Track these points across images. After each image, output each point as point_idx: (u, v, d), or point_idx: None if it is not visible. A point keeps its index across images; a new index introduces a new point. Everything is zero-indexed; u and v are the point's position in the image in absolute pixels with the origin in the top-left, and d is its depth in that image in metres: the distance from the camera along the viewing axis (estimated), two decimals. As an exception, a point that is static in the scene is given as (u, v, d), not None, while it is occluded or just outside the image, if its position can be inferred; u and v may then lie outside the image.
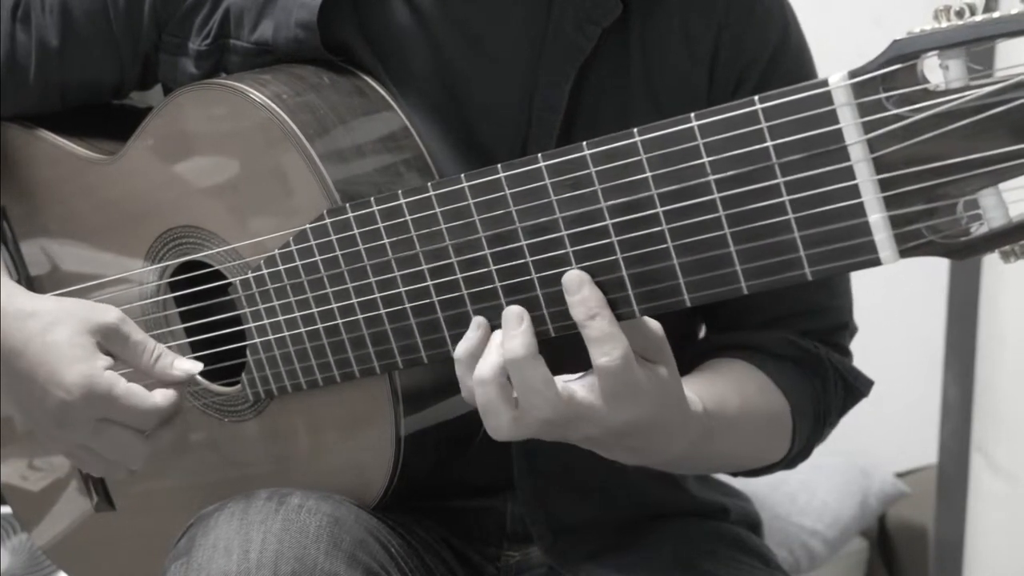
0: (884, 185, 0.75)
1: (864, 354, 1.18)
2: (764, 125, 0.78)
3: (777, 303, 1.08)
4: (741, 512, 1.22)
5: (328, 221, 0.95)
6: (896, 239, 0.75)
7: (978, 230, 0.74)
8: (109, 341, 1.03)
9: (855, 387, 1.14)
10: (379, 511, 1.02)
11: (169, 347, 1.10)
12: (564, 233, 0.86)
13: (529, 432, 0.88)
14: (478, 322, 0.90)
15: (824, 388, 1.11)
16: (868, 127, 0.74)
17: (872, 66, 0.74)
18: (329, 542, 0.93)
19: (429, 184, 0.90)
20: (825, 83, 0.75)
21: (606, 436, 0.89)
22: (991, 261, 1.64)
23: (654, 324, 0.88)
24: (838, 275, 1.03)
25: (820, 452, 1.15)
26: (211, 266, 1.06)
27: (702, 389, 0.97)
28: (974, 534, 1.77)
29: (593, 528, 1.13)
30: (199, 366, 1.05)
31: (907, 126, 0.73)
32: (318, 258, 0.96)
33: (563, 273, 0.86)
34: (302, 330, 0.99)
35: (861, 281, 1.07)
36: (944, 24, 0.72)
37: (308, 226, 0.96)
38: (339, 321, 0.97)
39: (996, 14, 0.71)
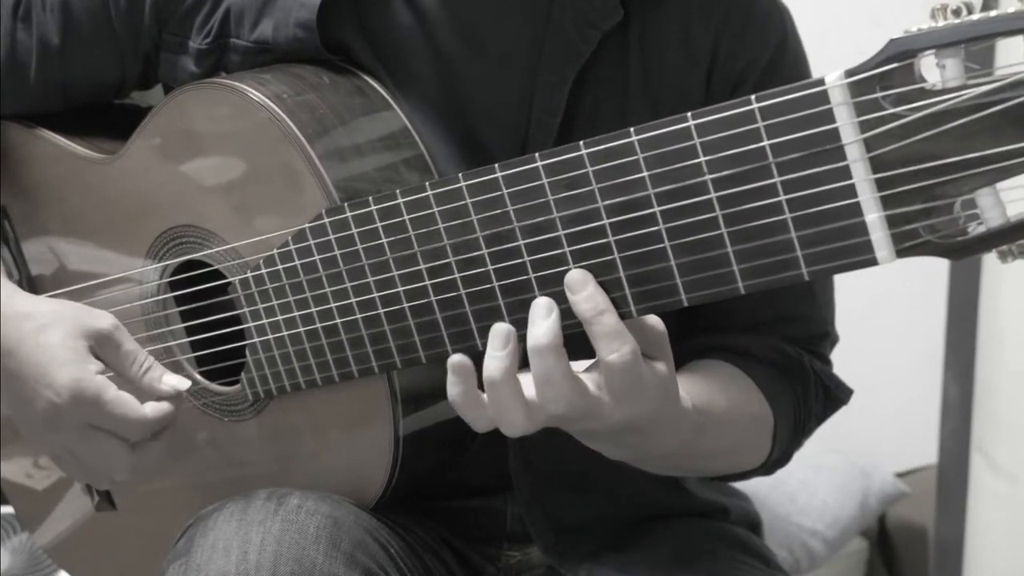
0: (881, 184, 0.75)
1: (864, 354, 1.18)
2: (760, 124, 0.77)
3: (761, 308, 1.09)
4: (741, 512, 1.22)
5: (327, 221, 0.95)
6: (893, 239, 0.75)
7: (975, 230, 0.74)
8: (101, 347, 1.03)
9: (835, 395, 1.14)
10: (379, 511, 1.02)
11: (169, 346, 1.10)
12: (561, 233, 0.85)
13: (540, 426, 0.87)
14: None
15: (805, 395, 1.11)
16: (864, 126, 0.74)
17: (869, 65, 0.74)
18: (328, 543, 0.93)
19: (427, 184, 0.90)
20: (821, 82, 0.75)
21: (606, 431, 0.89)
22: (991, 260, 1.64)
23: (656, 321, 0.88)
24: (834, 275, 1.03)
25: (820, 452, 1.16)
26: (211, 265, 1.06)
27: (690, 387, 0.97)
28: (974, 534, 1.77)
29: (593, 528, 1.13)
30: (187, 383, 1.04)
31: (904, 125, 0.73)
32: (316, 258, 0.96)
33: (560, 273, 0.86)
34: (300, 330, 0.99)
35: (861, 281, 1.07)
36: (941, 23, 0.72)
37: (307, 225, 0.96)
38: (337, 321, 0.97)
39: (993, 13, 0.71)
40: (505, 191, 0.87)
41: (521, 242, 0.87)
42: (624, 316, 0.85)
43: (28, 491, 1.26)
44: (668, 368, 0.89)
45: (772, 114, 0.77)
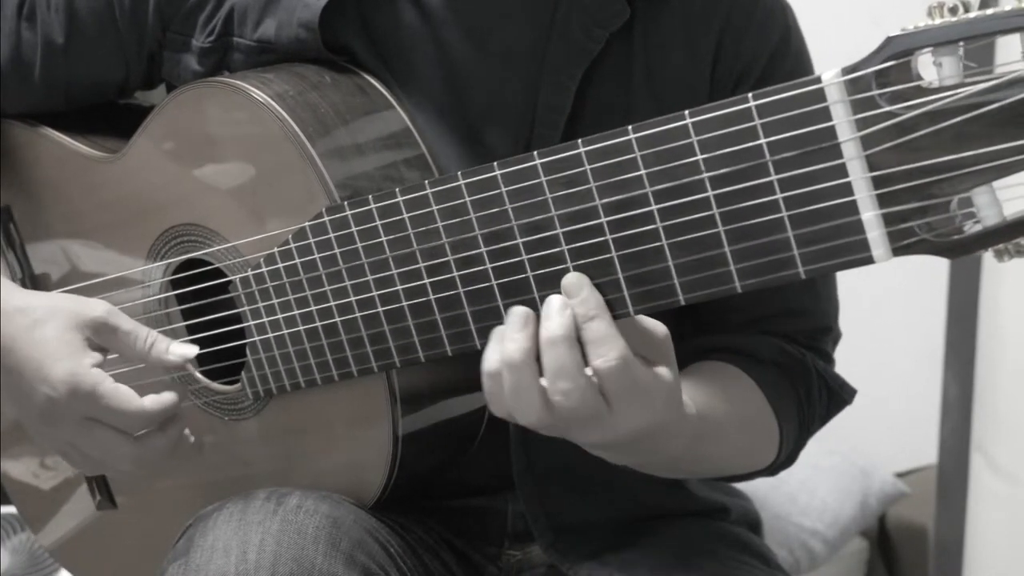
0: (877, 183, 0.74)
1: (864, 353, 1.18)
2: (757, 122, 0.77)
3: (761, 304, 1.08)
4: (741, 512, 1.22)
5: (327, 219, 0.95)
6: (889, 237, 0.75)
7: (972, 228, 0.74)
8: (99, 335, 1.03)
9: (839, 395, 1.14)
10: (379, 511, 1.02)
11: (170, 345, 1.11)
12: (559, 231, 0.85)
13: (549, 421, 0.86)
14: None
15: (808, 395, 1.10)
16: (861, 124, 0.74)
17: (865, 63, 0.74)
18: (327, 543, 0.93)
19: (426, 182, 0.90)
20: (818, 80, 0.75)
21: (613, 442, 0.88)
22: (991, 260, 1.64)
23: (657, 326, 0.88)
24: (830, 273, 1.03)
25: (820, 452, 1.16)
26: (212, 264, 1.06)
27: (693, 392, 0.96)
28: (974, 534, 1.76)
29: (594, 527, 1.12)
30: (195, 349, 1.04)
31: (900, 123, 0.73)
32: (316, 256, 0.97)
33: (559, 272, 0.86)
34: (300, 329, 0.99)
35: (861, 280, 1.07)
36: (938, 21, 0.72)
37: (307, 224, 0.97)
38: (337, 320, 0.97)
39: (990, 11, 0.71)
40: (503, 189, 0.87)
41: (519, 240, 0.87)
42: (622, 316, 0.85)
43: (33, 491, 1.26)
44: (672, 373, 0.88)
45: (769, 112, 0.77)
